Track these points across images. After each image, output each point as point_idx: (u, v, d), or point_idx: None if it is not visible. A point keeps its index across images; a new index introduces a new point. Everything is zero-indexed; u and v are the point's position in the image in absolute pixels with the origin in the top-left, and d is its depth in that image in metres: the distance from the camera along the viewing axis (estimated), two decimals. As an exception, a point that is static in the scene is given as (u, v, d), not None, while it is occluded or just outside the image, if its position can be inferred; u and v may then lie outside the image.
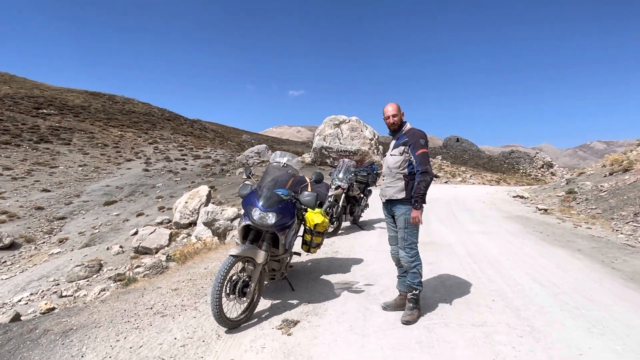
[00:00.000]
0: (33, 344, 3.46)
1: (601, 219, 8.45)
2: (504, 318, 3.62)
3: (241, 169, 24.68)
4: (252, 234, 3.87)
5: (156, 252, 13.46)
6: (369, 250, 6.23)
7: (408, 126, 3.72)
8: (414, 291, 3.66)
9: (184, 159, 32.45)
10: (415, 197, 3.52)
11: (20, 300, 11.55)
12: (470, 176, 34.90)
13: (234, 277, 3.57)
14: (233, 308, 3.63)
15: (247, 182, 4.38)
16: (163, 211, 19.27)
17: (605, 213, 8.81)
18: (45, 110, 39.69)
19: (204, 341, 3.33)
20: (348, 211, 7.71)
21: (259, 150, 26.92)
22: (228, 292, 3.51)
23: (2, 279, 13.66)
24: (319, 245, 4.85)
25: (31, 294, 11.99)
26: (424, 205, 3.59)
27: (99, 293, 9.74)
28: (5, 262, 15.36)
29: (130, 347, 3.26)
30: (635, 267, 5.18)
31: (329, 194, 7.35)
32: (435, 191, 15.42)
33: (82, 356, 3.17)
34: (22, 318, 7.94)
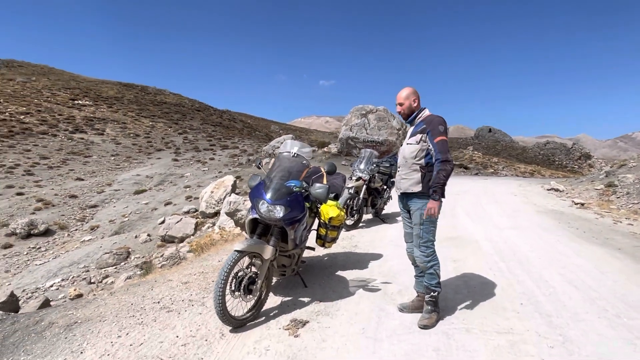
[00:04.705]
0: (37, 336, 3.40)
1: (645, 215, 7.83)
2: (533, 325, 3.29)
3: (267, 159, 24.66)
4: (260, 228, 3.67)
5: (181, 241, 13.59)
6: (389, 244, 5.94)
7: (426, 113, 3.39)
8: (432, 293, 3.37)
9: (212, 149, 32.78)
10: (433, 187, 3.18)
11: (52, 286, 11.86)
12: (503, 167, 33.76)
13: (239, 274, 3.39)
14: (238, 306, 3.44)
15: (258, 173, 4.17)
16: (190, 200, 19.46)
17: (650, 208, 8.16)
18: (80, 101, 40.91)
19: (206, 340, 3.17)
20: (369, 203, 7.43)
21: (285, 140, 26.81)
22: (233, 289, 3.33)
23: (36, 265, 14.10)
24: (334, 240, 4.61)
25: (62, 280, 12.29)
26: (442, 198, 3.26)
27: (125, 280, 9.88)
28: (40, 248, 15.84)
29: (131, 345, 3.13)
30: (684, 270, 4.68)
31: (349, 185, 7.09)
32: (463, 183, 14.87)
33: (82, 352, 3.07)
34: (51, 304, 8.12)
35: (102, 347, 3.13)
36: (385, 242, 6.09)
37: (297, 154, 3.98)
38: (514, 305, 3.70)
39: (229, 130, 47.88)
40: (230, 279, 3.27)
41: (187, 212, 17.24)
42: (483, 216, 8.03)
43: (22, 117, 31.82)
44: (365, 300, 3.90)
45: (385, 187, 7.75)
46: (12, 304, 6.88)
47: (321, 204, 4.49)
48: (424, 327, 3.28)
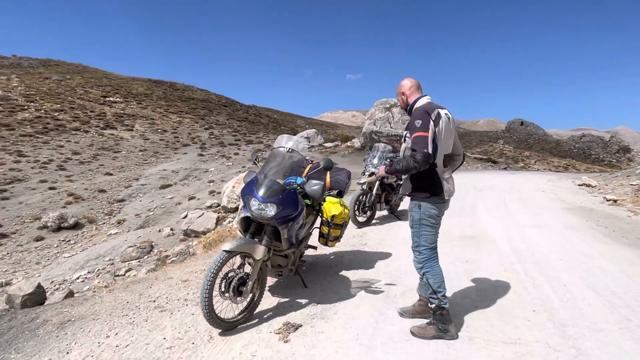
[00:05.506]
0: (31, 334, 3.38)
1: (684, 213, 7.25)
2: (544, 335, 3.01)
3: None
4: (253, 227, 3.51)
5: (203, 236, 13.69)
6: (400, 243, 5.69)
7: (418, 104, 3.05)
8: (429, 304, 3.11)
9: (237, 144, 33.03)
10: (394, 163, 3.00)
11: (78, 278, 12.17)
12: (535, 162, 32.61)
13: (230, 274, 3.25)
14: (229, 308, 3.32)
15: (254, 169, 4.02)
16: (213, 195, 19.63)
17: (690, 206, 7.56)
18: (111, 98, 42.05)
19: (193, 343, 3.05)
20: (383, 200, 7.18)
21: (308, 135, 26.67)
22: (223, 290, 3.19)
23: (65, 257, 14.54)
24: (337, 239, 4.43)
25: (88, 272, 12.59)
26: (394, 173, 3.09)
27: (146, 273, 10.00)
28: (69, 241, 16.33)
29: (117, 346, 3.05)
30: None
31: (361, 181, 6.88)
32: (489, 178, 14.35)
33: (68, 352, 3.01)
34: (75, 295, 8.30)
35: (89, 347, 3.06)
36: (397, 241, 5.85)
37: (292, 149, 3.79)
38: (525, 312, 3.42)
39: (255, 125, 48.17)
40: (219, 279, 3.14)
41: (210, 207, 17.38)
42: (504, 213, 7.64)
43: (56, 114, 32.96)
44: (366, 303, 3.70)
45: (400, 182, 7.49)
46: (39, 295, 7.05)
47: (324, 201, 4.32)
48: (412, 333, 3.07)
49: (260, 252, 3.28)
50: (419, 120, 2.87)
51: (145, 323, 3.44)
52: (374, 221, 7.08)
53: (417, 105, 3.03)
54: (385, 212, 7.67)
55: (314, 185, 3.68)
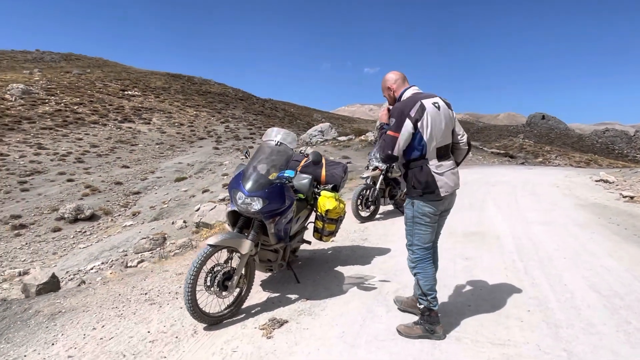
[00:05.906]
0: (22, 324, 3.43)
1: None
2: (536, 337, 2.89)
3: (303, 148, 24.51)
4: (241, 221, 3.48)
5: (214, 228, 13.78)
6: (402, 238, 5.49)
7: (403, 97, 2.90)
8: (418, 304, 3.02)
9: (252, 138, 33.21)
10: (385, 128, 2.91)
11: (92, 269, 12.39)
12: (556, 157, 31.88)
13: (216, 269, 3.22)
14: (216, 302, 3.29)
15: (245, 163, 3.97)
16: (226, 188, 19.75)
17: None
18: (130, 92, 42.67)
19: (176, 337, 3.05)
20: (387, 194, 7.06)
21: (322, 128, 26.54)
22: (209, 284, 3.17)
23: (80, 248, 14.85)
24: (332, 234, 4.35)
25: (102, 263, 12.79)
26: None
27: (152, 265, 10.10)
28: (85, 232, 16.67)
29: (101, 338, 3.07)
30: None
31: (365, 175, 6.79)
32: (504, 173, 14.04)
33: (54, 343, 3.05)
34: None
35: (74, 339, 3.09)
36: (399, 236, 5.73)
37: (280, 142, 3.71)
38: (520, 312, 3.29)
39: (270, 119, 48.24)
40: (204, 274, 3.12)
41: (223, 200, 17.45)
42: (514, 210, 7.43)
43: (76, 107, 33.64)
44: (356, 300, 3.64)
45: (405, 177, 7.36)
46: (53, 285, 7.23)
47: (319, 195, 4.25)
48: (398, 332, 3.00)
49: (246, 246, 3.24)
50: (393, 119, 2.77)
51: (133, 316, 3.45)
52: (377, 216, 6.98)
53: (402, 98, 2.90)
54: (390, 207, 7.56)
55: (302, 179, 3.62)
